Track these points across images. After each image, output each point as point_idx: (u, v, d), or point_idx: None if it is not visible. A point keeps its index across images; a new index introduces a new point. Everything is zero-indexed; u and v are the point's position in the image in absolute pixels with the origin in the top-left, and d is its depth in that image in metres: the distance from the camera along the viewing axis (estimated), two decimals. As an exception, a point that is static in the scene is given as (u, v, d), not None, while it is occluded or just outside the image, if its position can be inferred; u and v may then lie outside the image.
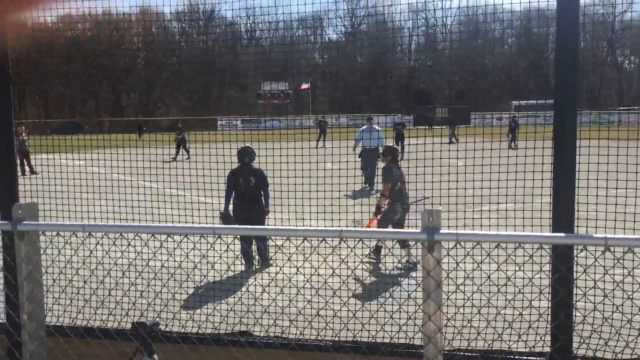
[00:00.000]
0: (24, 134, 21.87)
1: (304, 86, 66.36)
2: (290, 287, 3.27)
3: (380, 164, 13.94)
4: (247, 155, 8.81)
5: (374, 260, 7.27)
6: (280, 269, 2.98)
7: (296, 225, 8.67)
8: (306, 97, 71.63)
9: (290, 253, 7.90)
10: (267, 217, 8.93)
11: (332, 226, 9.92)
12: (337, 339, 3.56)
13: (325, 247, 2.72)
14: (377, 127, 17.17)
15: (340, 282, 3.10)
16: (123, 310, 3.48)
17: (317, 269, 2.94)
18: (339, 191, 6.87)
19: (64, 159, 8.07)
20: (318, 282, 3.09)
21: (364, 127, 16.76)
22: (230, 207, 8.79)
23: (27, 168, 20.66)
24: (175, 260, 3.20)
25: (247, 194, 8.68)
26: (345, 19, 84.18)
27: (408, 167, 6.01)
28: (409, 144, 23.32)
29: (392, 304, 3.27)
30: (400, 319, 3.38)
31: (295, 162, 6.89)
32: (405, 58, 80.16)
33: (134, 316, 3.66)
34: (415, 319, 3.37)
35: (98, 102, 75.67)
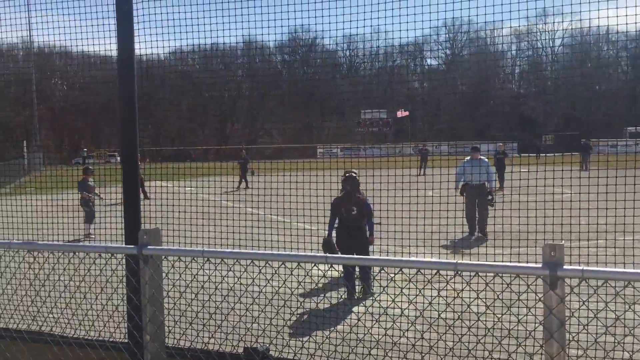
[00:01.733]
0: (140, 162, 23.24)
1: (402, 114, 66.17)
2: (401, 319, 3.22)
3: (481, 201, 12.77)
4: (350, 183, 8.85)
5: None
6: (392, 300, 2.95)
7: (394, 255, 8.59)
8: (405, 124, 71.35)
9: (402, 285, 7.83)
10: (371, 246, 8.90)
11: (431, 256, 9.73)
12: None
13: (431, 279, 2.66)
14: (484, 158, 14.29)
15: (454, 316, 3.01)
16: (238, 335, 3.57)
17: (430, 302, 2.89)
18: (439, 218, 6.75)
19: (173, 186, 8.50)
20: (430, 315, 3.03)
21: (468, 157, 14.01)
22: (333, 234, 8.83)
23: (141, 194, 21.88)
24: (288, 288, 3.26)
25: (350, 223, 8.70)
26: (445, 45, 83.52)
27: (510, 194, 5.79)
28: (511, 172, 22.44)
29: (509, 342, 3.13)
30: (515, 355, 3.23)
31: (395, 190, 6.85)
32: (509, 84, 77.96)
33: (245, 340, 3.74)
34: (530, 358, 3.20)
35: (205, 131, 79.41)
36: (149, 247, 3.34)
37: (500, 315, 2.79)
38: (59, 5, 6.94)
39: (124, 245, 3.53)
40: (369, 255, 8.44)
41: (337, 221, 8.83)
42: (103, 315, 3.90)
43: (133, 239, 3.73)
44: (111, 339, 4.07)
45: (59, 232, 7.07)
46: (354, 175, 8.85)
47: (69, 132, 71.28)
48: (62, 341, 4.00)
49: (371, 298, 8.02)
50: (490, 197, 13.06)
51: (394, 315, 3.29)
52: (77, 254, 3.61)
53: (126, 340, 3.68)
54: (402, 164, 7.98)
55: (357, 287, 8.60)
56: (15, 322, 4.40)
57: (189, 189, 10.97)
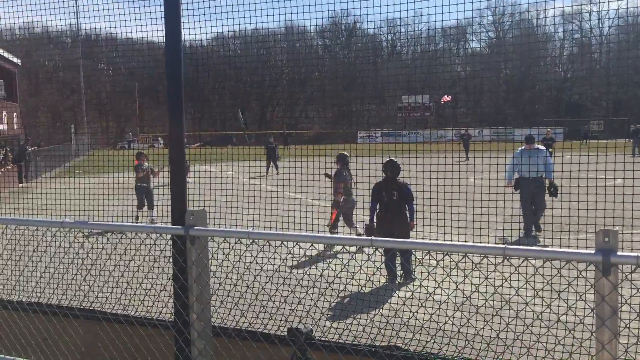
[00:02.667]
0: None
1: (446, 99, 65.21)
2: (447, 304, 3.19)
3: (548, 198, 11.33)
4: (391, 168, 8.81)
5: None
6: (439, 285, 2.93)
7: (437, 240, 8.53)
8: (448, 109, 70.36)
9: (449, 270, 7.81)
10: (411, 231, 8.87)
11: (472, 242, 9.64)
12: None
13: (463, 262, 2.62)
14: (541, 147, 12.70)
15: (502, 303, 2.97)
16: (282, 316, 3.61)
17: (477, 287, 2.85)
18: (481, 207, 6.65)
19: (214, 169, 8.60)
20: (478, 299, 2.99)
21: (522, 148, 12.31)
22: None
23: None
24: (334, 271, 3.27)
25: (391, 208, 8.68)
26: (489, 29, 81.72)
27: (561, 185, 5.66)
28: (556, 155, 21.91)
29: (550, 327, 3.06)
30: (564, 342, 3.17)
31: (438, 177, 6.78)
32: (556, 68, 75.88)
33: (289, 321, 3.77)
34: (579, 345, 3.13)
35: (246, 116, 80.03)
36: (195, 227, 3.40)
37: (549, 302, 2.73)
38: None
39: (171, 226, 3.59)
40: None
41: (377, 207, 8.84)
42: (151, 294, 3.99)
43: (180, 220, 3.80)
44: (159, 317, 4.17)
45: (108, 212, 7.26)
46: (394, 160, 8.81)
47: (115, 117, 72.90)
48: (112, 318, 4.13)
49: (412, 283, 8.00)
50: (553, 189, 11.37)
51: (440, 300, 3.27)
52: (126, 233, 3.71)
53: (173, 319, 3.76)
54: (444, 149, 7.89)
55: (398, 272, 8.60)
56: (68, 299, 4.55)
57: (230, 172, 11.12)
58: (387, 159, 8.84)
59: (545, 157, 11.98)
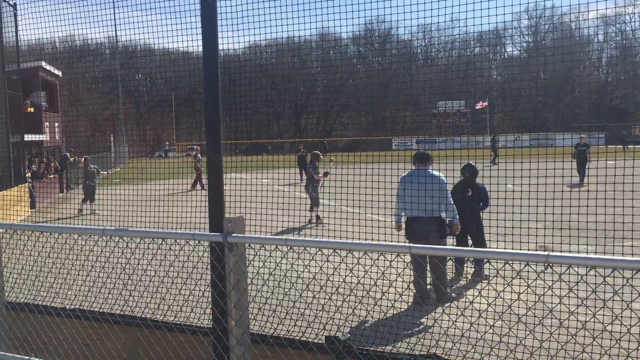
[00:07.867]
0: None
1: (481, 105, 64.39)
2: (487, 313, 3.13)
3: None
4: (469, 171, 9.26)
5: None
6: (479, 293, 2.87)
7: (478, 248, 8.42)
8: (483, 116, 69.54)
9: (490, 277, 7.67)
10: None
11: (512, 249, 9.51)
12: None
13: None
14: (435, 172, 7.98)
15: (543, 310, 2.90)
16: (320, 324, 3.60)
17: (519, 295, 2.79)
18: (520, 212, 6.52)
19: (251, 177, 8.67)
20: (518, 307, 2.93)
21: (406, 172, 8.11)
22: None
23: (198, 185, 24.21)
24: (371, 278, 3.24)
25: (463, 206, 8.91)
26: (527, 34, 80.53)
27: (606, 190, 5.51)
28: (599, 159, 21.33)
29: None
30: (610, 352, 3.07)
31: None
32: (595, 72, 74.25)
33: (326, 329, 3.75)
34: (626, 356, 3.03)
35: (281, 124, 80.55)
36: (233, 234, 3.42)
37: (595, 311, 2.65)
38: (142, 2, 7.24)
39: (210, 233, 3.63)
40: (484, 240, 8.94)
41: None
42: (190, 300, 4.03)
43: (218, 227, 3.83)
44: (198, 324, 4.21)
45: (146, 219, 7.39)
46: (471, 163, 9.26)
47: (152, 126, 74.15)
48: (152, 324, 4.18)
49: (483, 282, 7.97)
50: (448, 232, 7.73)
51: (481, 308, 3.21)
52: (165, 240, 3.75)
53: (212, 325, 3.79)
54: (482, 155, 7.81)
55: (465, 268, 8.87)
56: (109, 305, 4.63)
57: (265, 180, 11.23)
58: (466, 163, 9.30)
59: (440, 183, 7.63)
